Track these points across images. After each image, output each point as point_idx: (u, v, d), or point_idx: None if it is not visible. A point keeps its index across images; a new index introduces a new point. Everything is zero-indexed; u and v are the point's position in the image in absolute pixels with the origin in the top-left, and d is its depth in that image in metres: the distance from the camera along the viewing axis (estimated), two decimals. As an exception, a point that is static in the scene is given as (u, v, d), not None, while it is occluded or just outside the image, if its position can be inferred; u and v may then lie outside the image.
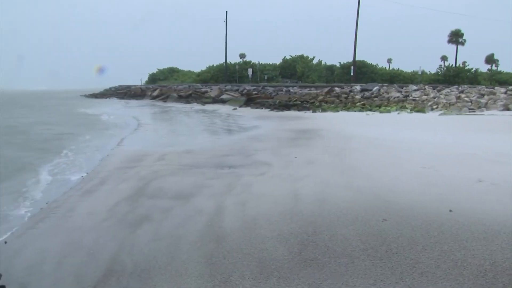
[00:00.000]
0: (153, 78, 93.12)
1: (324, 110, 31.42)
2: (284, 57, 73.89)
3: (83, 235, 6.94)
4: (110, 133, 22.56)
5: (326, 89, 40.82)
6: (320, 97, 37.60)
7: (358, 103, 33.21)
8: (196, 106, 42.46)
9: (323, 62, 72.72)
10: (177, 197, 8.70)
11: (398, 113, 27.59)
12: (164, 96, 56.81)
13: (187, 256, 5.87)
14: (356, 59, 59.05)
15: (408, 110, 28.66)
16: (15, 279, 5.65)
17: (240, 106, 38.23)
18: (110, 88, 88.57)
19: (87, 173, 11.86)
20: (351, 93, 37.97)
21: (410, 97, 33.95)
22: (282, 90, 44.74)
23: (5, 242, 7.03)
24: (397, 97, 34.57)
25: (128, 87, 79.70)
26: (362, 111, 30.05)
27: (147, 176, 10.58)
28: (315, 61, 72.29)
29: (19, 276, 5.74)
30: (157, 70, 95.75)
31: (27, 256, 6.38)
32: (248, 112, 32.89)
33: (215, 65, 74.55)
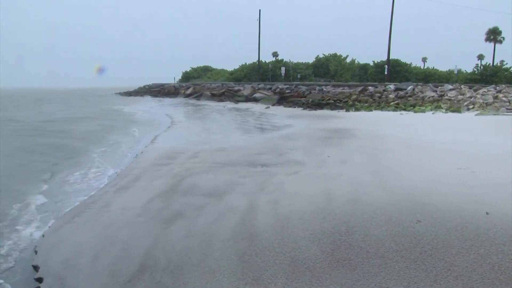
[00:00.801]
0: (187, 77, 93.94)
1: (357, 110, 31.13)
2: (317, 55, 73.76)
3: (118, 230, 7.06)
4: (144, 131, 22.84)
5: (359, 88, 40.40)
6: (354, 96, 37.28)
7: (392, 103, 32.78)
8: (229, 105, 42.61)
9: (356, 61, 72.28)
10: (210, 194, 8.76)
11: (433, 113, 27.12)
12: (197, 95, 57.22)
13: (219, 253, 5.90)
14: (390, 57, 58.33)
15: (443, 110, 28.13)
16: (52, 272, 5.78)
17: (273, 105, 38.17)
18: (144, 86, 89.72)
19: (121, 169, 12.06)
20: (385, 93, 37.48)
21: (446, 97, 33.33)
22: (315, 89, 44.50)
23: (43, 236, 7.21)
24: (432, 96, 33.97)
25: (162, 85, 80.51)
26: (396, 110, 29.65)
27: (181, 174, 10.67)
28: (348, 60, 71.90)
29: (56, 269, 5.87)
30: (190, 69, 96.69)
31: (63, 250, 6.52)
32: (280, 111, 32.82)
33: (248, 63, 74.80)
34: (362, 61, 71.81)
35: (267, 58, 74.78)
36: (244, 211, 7.61)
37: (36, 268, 6.05)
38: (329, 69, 68.89)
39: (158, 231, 6.87)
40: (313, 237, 6.32)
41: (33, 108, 47.60)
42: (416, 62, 77.56)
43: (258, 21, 66.63)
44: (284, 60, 71.00)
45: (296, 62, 70.95)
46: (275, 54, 74.16)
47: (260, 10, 66.52)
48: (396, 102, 32.93)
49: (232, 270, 5.41)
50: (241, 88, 52.99)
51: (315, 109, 32.94)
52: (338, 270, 5.29)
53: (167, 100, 57.76)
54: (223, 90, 53.65)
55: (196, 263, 5.65)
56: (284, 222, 7.00)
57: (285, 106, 36.87)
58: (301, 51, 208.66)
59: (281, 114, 30.15)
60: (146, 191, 9.26)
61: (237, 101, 45.29)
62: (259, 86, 52.19)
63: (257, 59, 68.21)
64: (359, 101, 34.92)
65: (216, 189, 9.13)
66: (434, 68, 68.22)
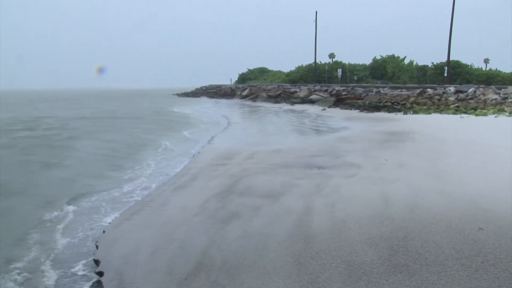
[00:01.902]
0: (243, 78, 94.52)
1: (415, 112, 30.42)
2: (374, 57, 72.60)
3: (175, 228, 7.19)
4: (201, 131, 23.18)
5: (417, 90, 39.46)
6: (412, 99, 36.42)
7: (452, 105, 31.83)
8: (285, 106, 42.58)
9: (414, 62, 70.65)
10: (266, 195, 8.78)
11: (495, 116, 26.15)
12: (253, 96, 57.48)
13: (275, 254, 5.91)
14: (450, 59, 56.65)
15: (507, 114, 27.06)
16: (112, 267, 5.96)
17: (329, 107, 37.85)
18: (201, 88, 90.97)
19: (178, 169, 12.29)
20: (445, 95, 36.42)
21: (509, 100, 32.09)
22: (372, 91, 43.86)
23: (103, 231, 7.44)
24: (495, 99, 32.73)
25: (219, 86, 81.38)
26: (456, 113, 28.77)
27: (237, 174, 10.76)
28: (406, 61, 70.40)
29: (116, 264, 6.04)
30: (247, 70, 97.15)
31: (123, 246, 6.70)
32: (337, 113, 32.53)
33: (304, 65, 74.52)
34: (420, 63, 70.03)
35: (323, 59, 74.14)
36: (300, 213, 7.59)
37: (97, 262, 6.25)
38: (386, 70, 67.70)
39: (214, 230, 6.94)
40: (370, 242, 6.22)
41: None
42: (478, 64, 74.70)
43: (314, 22, 66.30)
44: (341, 62, 70.33)
45: (353, 63, 70.18)
46: (331, 56, 73.48)
47: (316, 11, 65.91)
48: (456, 105, 31.97)
49: (287, 272, 5.40)
50: (297, 89, 52.85)
51: (372, 111, 32.44)
52: (396, 276, 5.19)
53: (224, 101, 58.36)
54: (279, 92, 53.67)
55: (252, 263, 5.68)
56: (341, 225, 6.94)
57: (341, 108, 36.52)
58: (358, 52, 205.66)
59: (337, 116, 29.88)
60: (203, 191, 9.39)
61: (293, 103, 45.20)
62: (315, 87, 51.88)
63: (314, 60, 67.82)
64: (418, 104, 34.11)
65: (272, 190, 9.15)
66: (497, 69, 65.68)
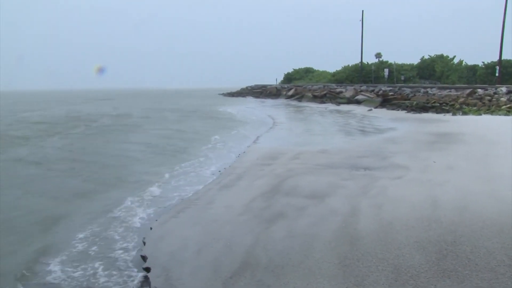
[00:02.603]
0: (289, 78, 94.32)
1: (465, 113, 29.64)
2: (423, 56, 71.04)
3: (220, 227, 7.25)
4: (246, 131, 23.29)
5: (467, 91, 38.38)
6: (461, 99, 35.47)
7: (503, 106, 30.83)
8: (331, 106, 42.27)
9: (464, 62, 68.77)
10: (312, 196, 8.75)
11: (551, 119, 25.25)
12: (298, 96, 57.32)
13: (320, 255, 5.88)
14: (502, 58, 54.84)
15: None
16: (159, 263, 6.06)
17: (375, 107, 37.34)
18: (246, 87, 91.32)
19: (224, 168, 12.38)
20: (496, 95, 35.31)
21: None
22: (419, 91, 42.91)
23: (151, 228, 7.58)
24: (551, 100, 31.61)
25: (264, 86, 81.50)
26: (508, 114, 27.86)
27: (283, 174, 10.76)
28: (455, 61, 68.57)
29: (163, 260, 6.15)
30: (292, 70, 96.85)
31: (169, 243, 6.81)
32: (383, 114, 32.06)
33: (350, 65, 73.74)
34: (470, 62, 68.00)
35: (370, 59, 73.16)
36: (346, 214, 7.52)
37: (144, 258, 6.38)
38: (434, 70, 66.17)
39: (259, 230, 6.96)
40: (418, 245, 6.10)
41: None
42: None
43: (361, 21, 65.51)
44: (388, 62, 69.23)
45: (400, 63, 68.96)
46: (378, 55, 72.40)
47: (363, 11, 65.10)
48: (508, 106, 30.94)
49: (333, 273, 5.37)
50: (343, 90, 52.36)
51: (419, 112, 31.81)
52: (444, 282, 5.07)
53: (269, 101, 58.41)
54: (324, 92, 53.33)
55: (297, 264, 5.67)
56: (387, 227, 6.84)
57: (388, 109, 35.98)
58: (406, 52, 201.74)
59: (384, 116, 29.45)
60: (249, 190, 9.43)
61: (338, 103, 44.82)
62: (362, 88, 51.27)
63: (360, 60, 67.04)
64: (467, 104, 33.21)
65: (318, 191, 9.11)
66: (554, 68, 63.08)
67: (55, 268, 6.34)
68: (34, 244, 7.35)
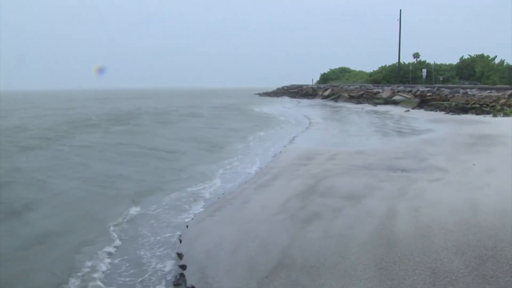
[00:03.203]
0: (325, 78, 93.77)
1: (506, 115, 28.91)
2: (462, 56, 69.42)
3: (256, 226, 7.27)
4: (282, 131, 23.30)
5: (509, 92, 37.45)
6: (502, 100, 34.56)
7: (547, 108, 30.01)
8: (367, 107, 41.85)
9: (505, 62, 66.99)
10: (348, 197, 8.69)
11: None
12: (335, 96, 56.97)
13: (356, 257, 5.83)
14: (548, 59, 53.19)
15: None
16: (194, 261, 6.13)
17: (412, 108, 36.76)
18: (282, 87, 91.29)
19: (260, 168, 12.42)
20: (541, 97, 34.40)
21: None
22: (458, 92, 42.02)
23: (187, 226, 7.66)
24: None
25: (300, 86, 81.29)
26: (553, 117, 27.12)
27: (318, 175, 10.71)
28: (496, 61, 66.87)
29: (198, 258, 6.21)
30: (329, 70, 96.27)
31: (205, 241, 6.87)
32: (421, 115, 31.52)
33: (387, 65, 72.67)
34: (512, 62, 66.36)
35: (407, 59, 71.64)
36: (383, 216, 7.44)
37: (180, 255, 6.46)
38: (474, 70, 64.66)
39: (295, 230, 6.96)
40: (456, 249, 5.99)
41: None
42: None
43: (398, 21, 64.52)
44: (426, 62, 67.99)
45: (438, 63, 67.65)
46: (416, 55, 71.10)
47: (400, 10, 64.09)
48: (552, 107, 30.09)
49: (369, 275, 5.32)
50: (380, 90, 51.77)
51: (458, 113, 31.15)
52: None
53: (305, 101, 58.22)
54: (361, 92, 52.87)
55: (333, 265, 5.64)
56: (425, 230, 6.73)
57: (426, 110, 35.34)
58: (444, 52, 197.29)
59: (421, 117, 28.95)
60: (284, 190, 9.43)
61: (375, 104, 44.35)
62: (399, 88, 50.52)
63: (397, 60, 66.09)
64: (509, 106, 32.34)
65: (354, 192, 9.04)
66: None
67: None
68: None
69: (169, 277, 6.03)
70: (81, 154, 16.43)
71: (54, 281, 6.04)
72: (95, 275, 6.17)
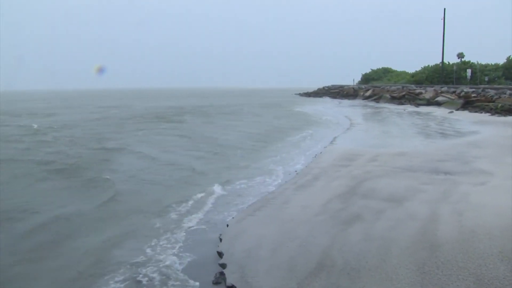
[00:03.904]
0: (366, 78, 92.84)
1: (556, 117, 28.01)
2: (509, 56, 67.40)
3: (296, 227, 7.26)
4: (323, 131, 23.20)
5: (560, 94, 36.27)
6: (553, 102, 33.53)
7: None
8: (409, 108, 41.18)
9: (557, 62, 64.78)
10: (390, 199, 8.58)
11: None
12: (376, 97, 56.35)
13: (397, 261, 5.76)
14: None
15: None
16: (234, 260, 6.18)
17: (456, 109, 35.97)
18: (323, 88, 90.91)
19: (300, 168, 12.40)
20: None
21: None
22: (505, 93, 40.87)
23: (227, 225, 7.72)
24: None
25: (341, 86, 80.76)
26: None
27: (359, 176, 10.63)
28: (547, 60, 64.74)
29: (239, 257, 6.26)
30: (370, 70, 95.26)
31: (245, 240, 6.92)
32: (465, 116, 30.83)
33: (430, 65, 71.40)
34: None
35: (451, 59, 70.28)
36: (425, 219, 7.31)
37: (220, 254, 6.52)
38: (522, 70, 62.79)
39: (336, 231, 6.92)
40: (502, 256, 5.82)
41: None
42: None
43: (442, 20, 63.22)
44: (470, 62, 66.40)
45: (483, 63, 65.94)
46: (460, 55, 69.51)
47: (444, 9, 62.71)
48: None
49: (410, 280, 5.24)
50: (423, 91, 50.82)
51: (504, 115, 30.28)
52: (532, 295, 4.83)
53: (346, 102, 57.79)
54: (403, 93, 52.08)
55: (373, 268, 5.58)
56: (469, 235, 6.58)
57: (470, 111, 34.52)
58: (490, 52, 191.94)
59: (465, 119, 28.31)
60: (325, 191, 9.39)
61: (418, 105, 43.61)
62: (442, 89, 49.48)
63: (441, 60, 64.79)
64: (559, 108, 31.33)
65: (396, 194, 8.92)
66: None
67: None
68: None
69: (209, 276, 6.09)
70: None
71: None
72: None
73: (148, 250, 6.95)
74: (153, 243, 7.23)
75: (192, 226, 8.03)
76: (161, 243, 7.26)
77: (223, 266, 6.09)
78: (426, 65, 72.21)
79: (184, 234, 7.65)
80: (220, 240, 7.10)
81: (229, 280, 5.57)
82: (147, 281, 5.96)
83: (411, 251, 6.06)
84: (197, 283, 5.85)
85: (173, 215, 8.70)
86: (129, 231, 7.86)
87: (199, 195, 10.02)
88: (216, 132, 23.68)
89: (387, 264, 5.66)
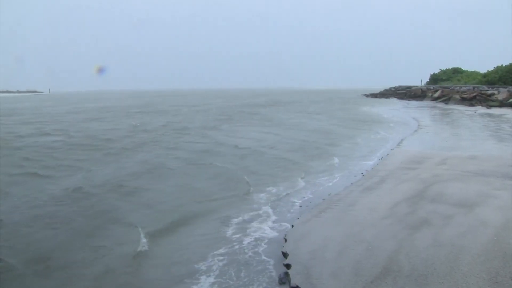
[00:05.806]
0: (435, 79, 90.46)
1: None
2: None
3: (362, 229, 7.17)
4: (390, 133, 22.77)
5: None
6: None
7: None
8: (481, 110, 39.74)
9: None
10: (459, 204, 8.32)
11: None
12: (445, 98, 54.71)
13: (468, 269, 5.58)
14: None
15: None
16: (299, 260, 6.18)
17: (532, 112, 34.47)
18: (390, 88, 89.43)
19: (366, 170, 12.24)
20: None
21: None
22: None
23: (292, 226, 7.73)
24: None
25: (408, 87, 79.09)
26: None
27: (428, 179, 10.36)
28: None
29: (303, 258, 6.26)
30: (439, 71, 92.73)
31: (310, 242, 6.90)
32: (542, 119, 29.45)
33: (504, 65, 68.64)
34: None
35: (528, 58, 67.30)
36: (498, 227, 7.03)
37: (285, 254, 6.54)
38: None
39: (403, 236, 6.78)
40: None
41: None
42: None
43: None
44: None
45: None
46: (539, 55, 66.55)
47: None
48: None
49: (482, 289, 5.07)
50: (495, 92, 48.93)
51: None
52: None
53: (413, 103, 56.44)
54: (474, 94, 50.28)
55: (442, 275, 5.43)
56: (546, 245, 6.28)
57: (548, 114, 32.98)
58: None
59: (543, 122, 27.04)
60: (392, 194, 9.23)
61: (489, 106, 42.01)
62: (517, 90, 47.55)
63: (516, 60, 62.23)
64: None
65: (466, 200, 8.63)
66: None
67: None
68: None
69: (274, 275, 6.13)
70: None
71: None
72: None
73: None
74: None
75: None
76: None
77: (288, 266, 6.10)
78: (500, 64, 69.49)
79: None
80: (285, 240, 7.12)
81: (294, 281, 5.57)
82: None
83: (483, 259, 5.85)
84: (263, 282, 5.90)
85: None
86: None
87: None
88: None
89: (456, 272, 5.49)
